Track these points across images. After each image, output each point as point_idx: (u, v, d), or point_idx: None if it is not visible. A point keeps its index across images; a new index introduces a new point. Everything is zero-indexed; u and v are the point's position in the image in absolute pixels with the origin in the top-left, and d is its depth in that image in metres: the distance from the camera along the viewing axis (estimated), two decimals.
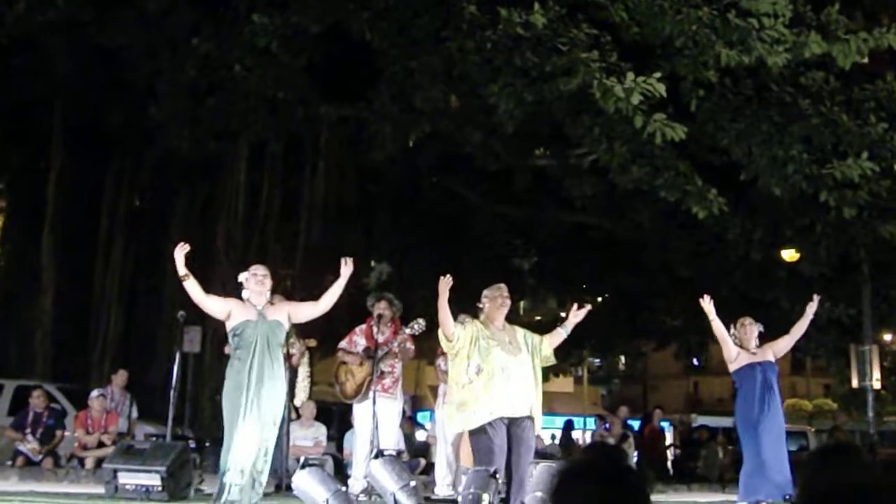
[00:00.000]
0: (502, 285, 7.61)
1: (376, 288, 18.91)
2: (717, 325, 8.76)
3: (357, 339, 9.60)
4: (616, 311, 23.48)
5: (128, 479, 8.65)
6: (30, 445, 12.57)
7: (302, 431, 12.18)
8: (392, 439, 9.43)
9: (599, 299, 25.89)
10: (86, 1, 14.36)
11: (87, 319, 19.06)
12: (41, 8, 14.19)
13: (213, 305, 7.15)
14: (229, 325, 7.05)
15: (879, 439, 18.78)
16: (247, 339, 6.91)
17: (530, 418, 7.22)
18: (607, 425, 17.58)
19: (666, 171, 12.92)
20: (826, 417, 35.82)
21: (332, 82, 16.21)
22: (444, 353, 8.77)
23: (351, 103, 16.25)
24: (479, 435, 7.07)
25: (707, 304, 8.63)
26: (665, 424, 21.32)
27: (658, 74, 11.43)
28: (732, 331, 8.88)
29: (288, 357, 9.36)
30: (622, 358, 43.72)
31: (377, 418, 8.95)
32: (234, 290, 7.48)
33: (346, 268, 7.18)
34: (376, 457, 7.47)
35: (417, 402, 30.04)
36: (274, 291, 7.46)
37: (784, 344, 9.00)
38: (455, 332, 7.22)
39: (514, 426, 7.12)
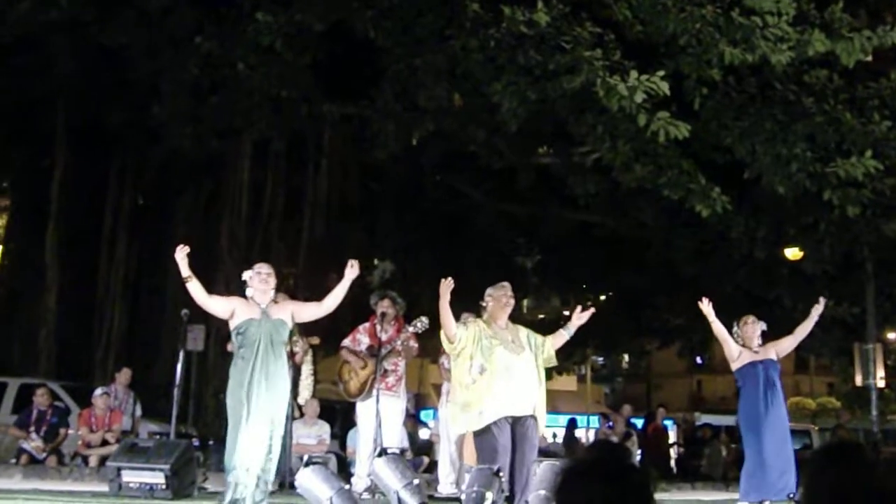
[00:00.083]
0: (506, 284, 7.61)
1: (380, 286, 18.92)
2: (717, 327, 8.75)
3: (360, 338, 9.60)
4: (619, 309, 23.47)
5: (132, 478, 8.66)
6: (34, 443, 12.58)
7: (305, 429, 12.18)
8: (395, 437, 9.43)
9: (603, 297, 25.90)
10: (88, 0, 14.37)
11: (90, 317, 19.08)
12: (44, 7, 14.22)
13: (216, 305, 7.15)
14: (233, 324, 7.04)
15: (883, 438, 18.77)
16: (250, 337, 6.91)
17: (533, 417, 7.22)
18: (611, 424, 17.58)
19: (669, 170, 12.92)
20: (830, 416, 35.77)
21: (335, 80, 16.22)
22: (447, 352, 8.77)
23: (354, 101, 16.26)
24: (483, 434, 7.06)
25: (706, 306, 8.62)
26: (668, 423, 21.30)
27: (661, 73, 11.42)
28: (735, 329, 8.87)
29: (291, 355, 9.35)
30: (626, 356, 43.80)
31: (380, 416, 8.95)
32: (237, 289, 7.48)
33: (351, 271, 7.16)
34: (380, 455, 7.46)
35: (421, 401, 29.99)
36: (277, 290, 7.46)
37: (787, 344, 8.98)
38: (457, 333, 7.20)
39: (517, 425, 7.11)
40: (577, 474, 2.45)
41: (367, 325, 9.64)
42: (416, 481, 7.23)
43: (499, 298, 7.44)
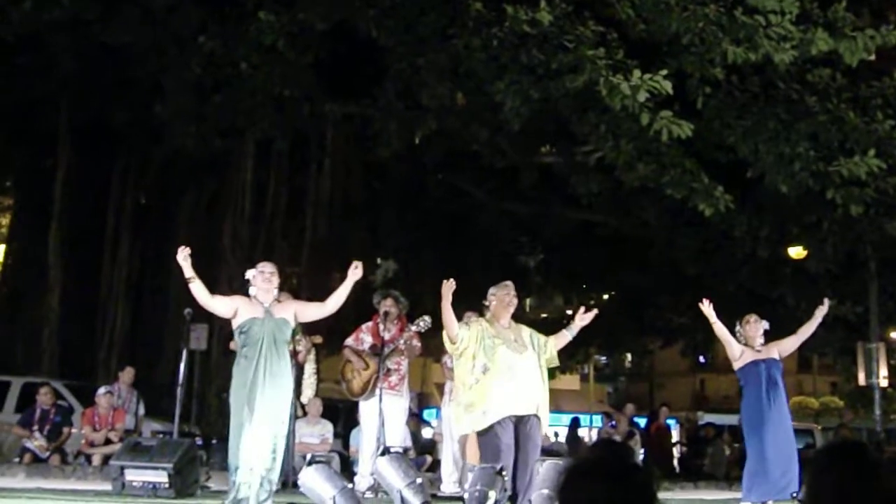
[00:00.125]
0: (509, 283, 7.60)
1: (382, 285, 18.96)
2: (719, 327, 8.75)
3: (363, 337, 9.61)
4: (622, 308, 23.48)
5: (135, 476, 8.67)
6: (37, 442, 12.60)
7: (308, 429, 12.19)
8: (398, 436, 9.43)
9: (606, 297, 25.91)
10: None
11: (93, 317, 19.08)
12: (47, 6, 14.21)
13: (219, 306, 7.16)
14: (235, 323, 7.04)
15: (886, 437, 18.76)
16: (253, 336, 6.91)
17: (537, 416, 7.21)
18: (613, 423, 17.58)
19: (672, 169, 12.91)
20: (833, 415, 35.72)
21: (338, 79, 16.23)
22: (449, 352, 8.77)
23: (357, 100, 16.27)
24: (486, 433, 7.06)
25: (707, 307, 8.62)
26: (671, 422, 21.31)
27: (664, 72, 11.43)
28: (738, 328, 8.86)
29: (294, 354, 9.37)
30: (628, 355, 43.76)
31: (383, 415, 8.97)
32: (240, 288, 7.49)
33: (354, 273, 7.14)
34: (383, 454, 7.47)
35: (424, 400, 30.00)
36: (280, 289, 7.46)
37: (790, 344, 8.97)
38: (459, 334, 7.20)
39: (521, 424, 7.11)
40: (580, 473, 2.45)
41: (370, 324, 9.65)
42: (418, 480, 7.24)
43: (502, 298, 7.43)
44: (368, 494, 9.04)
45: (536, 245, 22.39)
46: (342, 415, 15.38)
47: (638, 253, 20.02)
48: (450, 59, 13.22)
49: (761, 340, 8.76)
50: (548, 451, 11.34)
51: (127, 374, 14.03)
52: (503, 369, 7.11)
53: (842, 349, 19.85)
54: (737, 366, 8.76)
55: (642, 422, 19.44)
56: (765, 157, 12.94)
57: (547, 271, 23.46)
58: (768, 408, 8.46)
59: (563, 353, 7.80)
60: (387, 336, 9.30)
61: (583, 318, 7.60)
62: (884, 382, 18.46)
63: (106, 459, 11.42)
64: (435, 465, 12.68)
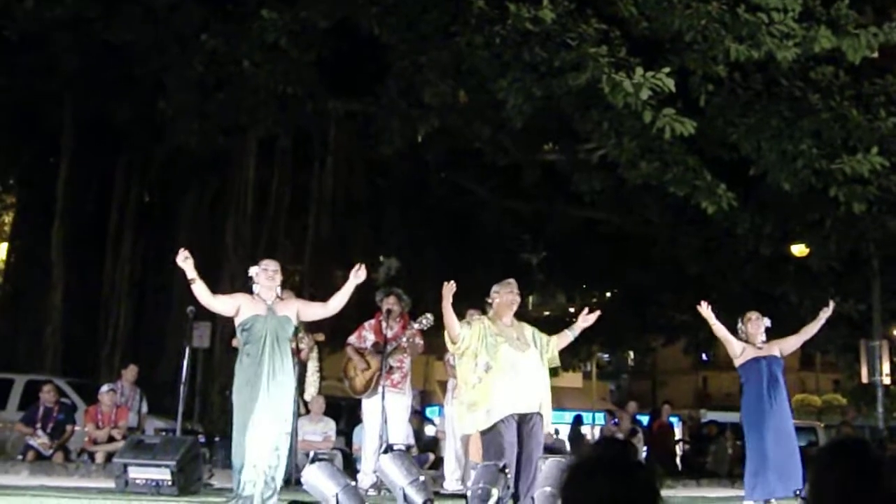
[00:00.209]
0: (512, 281, 7.59)
1: (385, 283, 18.95)
2: (718, 328, 8.75)
3: (366, 334, 9.62)
4: (625, 306, 23.47)
5: (138, 474, 8.69)
6: (40, 440, 12.62)
7: (311, 426, 12.21)
8: (401, 434, 9.44)
9: (608, 294, 25.91)
10: None
11: (96, 314, 19.10)
12: (49, 5, 14.23)
13: (222, 305, 7.16)
14: (238, 320, 7.05)
15: (889, 435, 18.74)
16: (256, 333, 6.92)
17: (539, 414, 7.21)
18: (616, 420, 17.57)
19: (675, 166, 12.91)
20: (835, 413, 35.75)
21: (340, 77, 16.23)
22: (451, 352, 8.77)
23: (359, 98, 16.27)
24: (490, 431, 7.05)
25: (705, 309, 8.63)
26: (674, 420, 21.31)
27: (667, 69, 11.43)
28: (739, 325, 8.86)
29: (297, 352, 9.38)
30: (631, 353, 43.74)
31: (386, 413, 8.97)
32: (242, 286, 7.49)
33: (357, 275, 7.14)
34: (385, 451, 7.47)
35: (426, 397, 30.05)
36: (283, 286, 7.47)
37: (792, 343, 8.97)
38: (460, 334, 7.19)
39: (524, 422, 7.10)
40: (582, 471, 2.45)
41: (372, 321, 9.66)
42: (421, 478, 7.23)
43: (504, 295, 7.43)
44: (371, 492, 9.04)
45: (539, 243, 22.38)
46: (345, 412, 15.40)
47: (640, 251, 20.02)
48: (452, 56, 13.21)
49: (763, 338, 8.75)
50: (550, 449, 11.35)
51: (130, 372, 14.05)
52: (506, 367, 7.11)
53: (844, 346, 19.83)
54: (738, 363, 8.76)
55: (645, 419, 19.43)
56: (767, 154, 12.93)
57: (549, 269, 23.45)
58: (769, 405, 8.46)
59: (565, 350, 7.79)
60: (389, 334, 9.31)
61: (586, 320, 7.58)
62: (887, 380, 18.45)
63: (109, 457, 11.44)
64: (438, 463, 12.70)
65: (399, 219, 21.70)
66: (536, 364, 7.32)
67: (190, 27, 14.85)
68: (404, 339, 9.40)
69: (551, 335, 7.59)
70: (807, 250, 16.72)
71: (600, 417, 29.03)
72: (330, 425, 12.58)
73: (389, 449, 7.46)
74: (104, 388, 13.11)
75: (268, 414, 6.78)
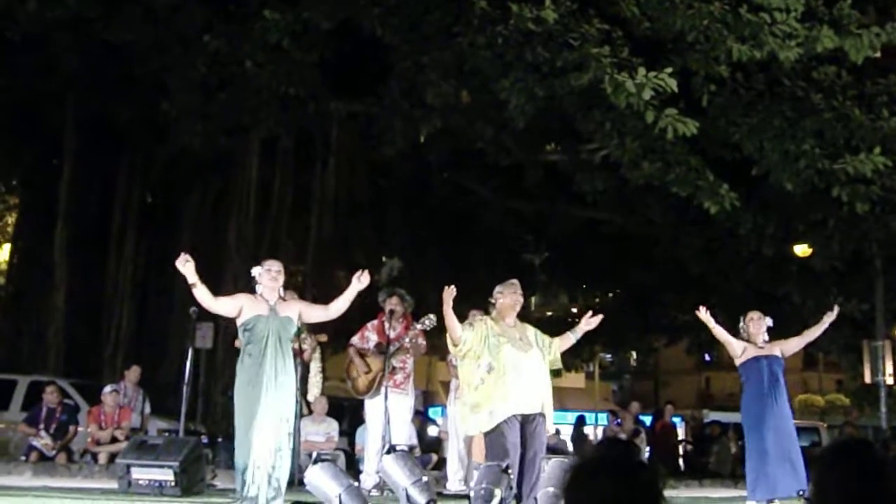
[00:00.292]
0: (515, 281, 7.60)
1: (388, 283, 18.94)
2: (717, 331, 8.76)
3: (369, 335, 9.62)
4: (627, 306, 23.47)
5: (141, 475, 8.69)
6: (43, 441, 12.62)
7: (314, 427, 12.21)
8: (404, 434, 9.44)
9: (610, 295, 25.90)
10: None
11: (99, 315, 19.11)
12: (51, 5, 14.24)
13: (224, 307, 7.15)
14: (240, 320, 7.04)
15: (892, 435, 18.71)
16: (258, 333, 6.92)
17: (542, 415, 7.22)
18: (619, 421, 17.57)
19: (677, 167, 12.90)
20: (838, 413, 35.68)
21: (343, 78, 16.23)
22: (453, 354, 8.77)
23: (362, 99, 16.28)
24: (493, 432, 7.06)
25: (704, 314, 8.63)
26: (677, 420, 21.27)
27: (669, 69, 11.42)
28: (741, 325, 8.87)
29: (300, 352, 9.39)
30: (634, 353, 43.68)
31: (389, 414, 8.97)
32: (245, 287, 7.49)
33: (359, 281, 7.14)
34: (388, 452, 7.47)
35: (429, 398, 30.08)
36: (285, 287, 7.47)
37: (794, 344, 8.97)
38: (462, 336, 7.19)
39: (527, 423, 7.11)
40: (585, 472, 2.45)
41: (375, 322, 9.66)
42: (424, 478, 7.24)
43: (508, 296, 7.43)
44: (374, 492, 9.05)
45: (541, 243, 22.38)
46: (347, 413, 15.40)
47: (643, 251, 20.02)
48: (454, 57, 13.21)
49: (765, 337, 8.76)
50: (553, 450, 11.36)
51: (133, 373, 14.05)
52: (508, 368, 7.12)
53: (847, 347, 19.81)
54: (738, 362, 8.77)
55: (647, 420, 19.44)
56: (770, 154, 12.93)
57: (552, 269, 23.44)
58: (769, 404, 8.45)
59: (567, 351, 7.80)
60: (392, 334, 9.31)
61: (589, 323, 7.58)
62: (890, 380, 18.43)
63: (112, 458, 11.44)
64: (441, 464, 12.70)
65: (401, 219, 21.71)
66: (539, 365, 7.32)
67: (192, 28, 14.87)
68: (407, 340, 9.41)
69: (553, 337, 7.60)
70: (809, 250, 16.71)
71: (603, 418, 29.07)
72: (333, 426, 12.58)
73: (392, 449, 7.46)
74: (107, 388, 13.11)
75: (270, 414, 6.78)
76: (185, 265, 6.80)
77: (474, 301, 8.86)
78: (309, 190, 19.58)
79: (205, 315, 7.97)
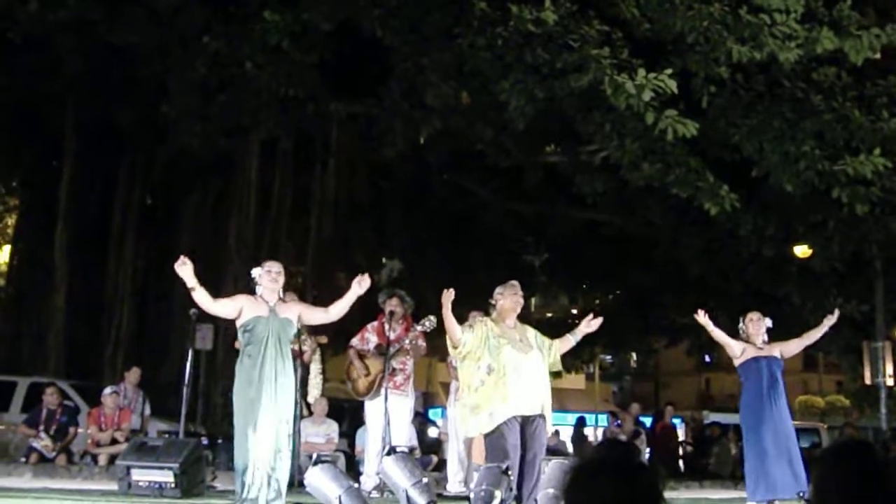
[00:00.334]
0: (515, 283, 7.59)
1: (388, 285, 18.94)
2: (716, 334, 8.76)
3: (369, 336, 9.62)
4: (627, 307, 23.46)
5: (141, 476, 8.68)
6: (43, 442, 12.61)
7: (314, 428, 12.20)
8: (404, 436, 9.44)
9: (610, 296, 25.90)
10: None
11: (99, 317, 19.12)
12: (52, 7, 14.24)
13: (224, 309, 7.15)
14: (240, 321, 7.04)
15: (892, 436, 18.72)
16: (258, 334, 6.92)
17: (542, 416, 7.21)
18: (619, 422, 17.57)
19: (677, 168, 12.90)
20: (839, 414, 35.69)
21: (342, 79, 16.24)
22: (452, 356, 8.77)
23: (362, 100, 16.29)
24: (493, 433, 7.06)
25: (702, 317, 8.63)
26: (677, 421, 21.28)
27: (669, 71, 11.42)
28: (741, 325, 8.87)
29: (300, 354, 9.38)
30: (634, 354, 43.71)
31: (389, 415, 8.97)
32: (245, 288, 7.49)
33: (360, 286, 7.13)
34: (388, 453, 7.47)
35: (429, 399, 30.07)
36: (285, 288, 7.47)
37: (794, 347, 8.97)
38: (462, 339, 7.19)
39: (527, 425, 7.11)
40: (585, 473, 2.45)
41: (375, 323, 9.66)
42: (424, 480, 7.24)
43: (508, 297, 7.43)
44: (374, 494, 9.05)
45: (541, 244, 22.37)
46: (348, 414, 15.40)
47: (643, 252, 20.02)
48: (454, 58, 13.22)
49: (764, 338, 8.75)
50: (553, 451, 11.36)
51: (133, 374, 14.04)
52: (508, 369, 7.11)
53: (847, 348, 19.80)
54: (738, 362, 8.77)
55: (648, 421, 19.44)
56: (770, 155, 12.93)
57: (552, 271, 23.43)
58: (768, 405, 8.45)
59: (568, 352, 7.79)
60: (392, 336, 9.31)
61: (589, 326, 7.58)
62: (890, 381, 18.42)
63: (112, 459, 11.44)
64: (441, 465, 12.69)
65: (401, 220, 21.71)
66: (539, 366, 7.32)
67: (192, 29, 14.88)
68: (407, 341, 9.40)
69: (553, 339, 7.60)
70: (809, 251, 16.71)
71: (603, 419, 29.07)
72: (333, 427, 12.57)
73: (392, 451, 7.47)
74: (107, 390, 13.11)
75: (269, 416, 6.78)
76: (183, 268, 6.80)
77: (474, 302, 8.86)
78: (309, 191, 19.59)
79: (205, 316, 7.97)
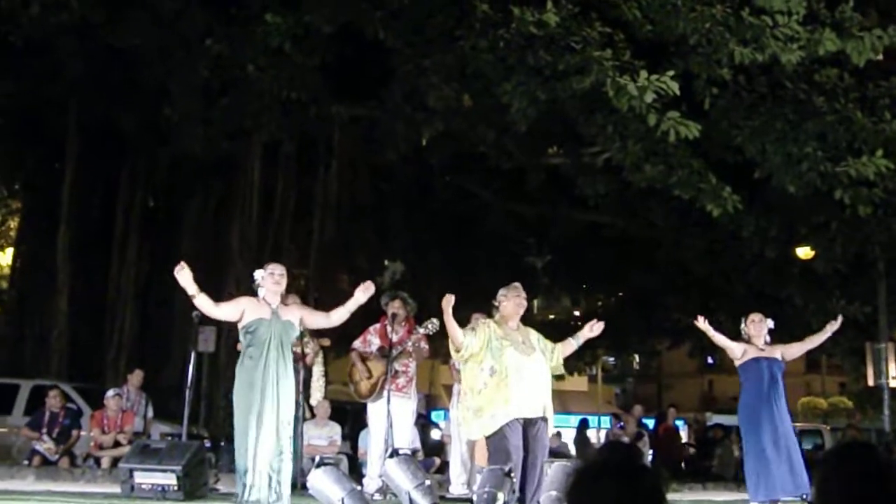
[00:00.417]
0: (518, 285, 7.59)
1: (390, 287, 18.94)
2: (718, 338, 8.76)
3: (371, 339, 9.62)
4: (630, 309, 23.47)
5: (144, 479, 8.68)
6: (46, 445, 12.62)
7: (316, 431, 12.20)
8: (406, 438, 9.44)
9: (613, 298, 25.90)
10: (98, 2, 14.41)
11: (102, 319, 19.12)
12: (55, 10, 14.25)
13: (226, 313, 7.16)
14: (242, 323, 7.05)
15: (895, 438, 18.70)
16: (260, 336, 6.92)
17: (544, 419, 7.21)
18: (622, 424, 17.56)
19: (680, 169, 12.90)
20: (841, 416, 35.69)
21: (344, 81, 16.24)
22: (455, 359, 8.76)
23: (363, 102, 16.30)
24: (495, 435, 7.06)
25: (702, 323, 8.63)
26: (680, 423, 21.30)
27: (671, 72, 11.42)
28: (743, 326, 8.86)
29: (302, 356, 9.38)
30: (636, 356, 43.71)
31: (391, 417, 8.97)
32: (248, 290, 7.50)
33: (363, 293, 7.14)
34: (391, 456, 7.47)
35: (432, 402, 30.04)
36: (288, 291, 7.48)
37: (795, 350, 8.96)
38: (464, 342, 7.19)
39: (529, 427, 7.10)
40: (588, 475, 2.45)
41: (377, 326, 9.66)
42: (427, 482, 7.24)
43: (512, 299, 7.43)
44: (377, 496, 9.04)
45: (543, 246, 22.38)
46: (350, 417, 15.40)
47: (645, 254, 20.02)
48: (456, 60, 13.22)
49: (766, 339, 8.75)
50: (555, 453, 11.36)
51: (135, 377, 14.05)
52: (511, 372, 7.11)
53: (850, 349, 19.78)
54: (738, 363, 8.76)
55: (650, 423, 19.42)
56: (772, 157, 12.93)
57: (554, 272, 23.44)
58: (768, 405, 8.44)
59: (570, 354, 7.79)
60: (395, 338, 9.30)
61: (591, 330, 7.58)
62: (893, 383, 18.40)
63: (115, 462, 11.43)
64: (443, 467, 12.69)
65: (403, 222, 21.71)
66: (541, 368, 7.32)
67: (194, 32, 14.88)
68: (409, 344, 9.40)
69: (556, 342, 7.60)
70: (812, 253, 16.70)
71: (606, 421, 29.07)
72: (335, 430, 12.57)
73: (395, 453, 7.47)
74: (110, 392, 13.12)
75: (271, 417, 6.78)
76: (182, 274, 6.80)
77: (476, 304, 8.86)
78: (311, 194, 19.60)
79: (207, 319, 7.98)
